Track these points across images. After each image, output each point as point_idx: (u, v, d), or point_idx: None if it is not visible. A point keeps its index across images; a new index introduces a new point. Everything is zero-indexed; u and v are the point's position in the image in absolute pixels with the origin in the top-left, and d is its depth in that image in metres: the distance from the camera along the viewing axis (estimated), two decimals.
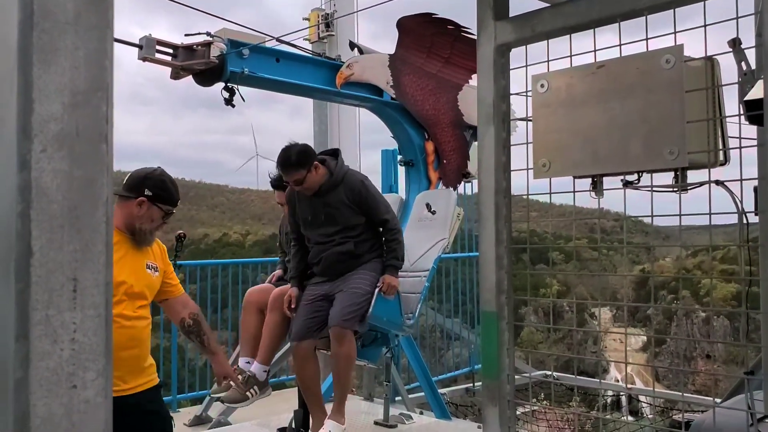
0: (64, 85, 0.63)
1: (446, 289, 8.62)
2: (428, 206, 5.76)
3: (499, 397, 2.36)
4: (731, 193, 1.93)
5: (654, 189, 2.06)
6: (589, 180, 2.32)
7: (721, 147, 2.06)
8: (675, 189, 2.02)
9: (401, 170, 6.64)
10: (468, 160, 6.17)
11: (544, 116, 2.29)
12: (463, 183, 6.46)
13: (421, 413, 5.92)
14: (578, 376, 10.13)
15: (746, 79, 2.17)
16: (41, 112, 0.62)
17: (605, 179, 2.30)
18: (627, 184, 2.13)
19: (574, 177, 2.34)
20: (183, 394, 7.32)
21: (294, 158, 4.33)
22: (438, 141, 6.26)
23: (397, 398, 6.08)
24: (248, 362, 4.80)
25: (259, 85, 5.36)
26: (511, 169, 2.42)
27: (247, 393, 4.65)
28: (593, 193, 2.30)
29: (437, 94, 6.09)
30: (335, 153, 4.73)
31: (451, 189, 6.19)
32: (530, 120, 2.32)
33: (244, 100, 5.23)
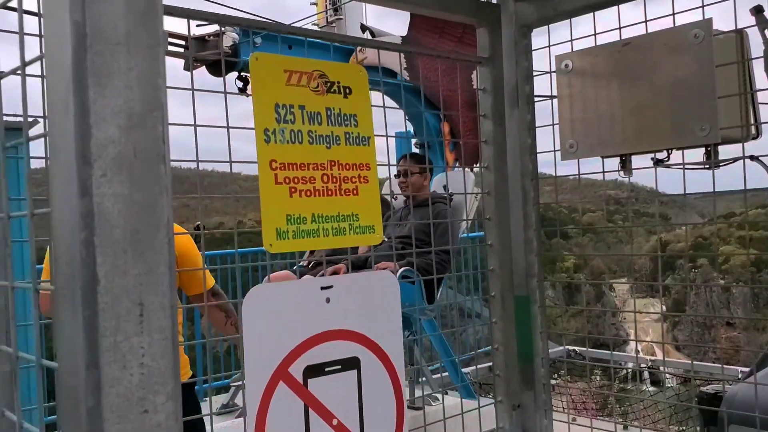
0: (119, 107, 0.62)
1: (464, 268, 8.59)
2: (445, 188, 5.73)
3: (534, 381, 2.35)
4: (766, 167, 1.90)
5: (686, 167, 2.03)
6: (617, 159, 2.29)
7: (753, 121, 2.02)
8: (708, 166, 1.99)
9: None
10: None
11: (570, 97, 2.26)
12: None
13: (446, 393, 5.94)
14: (594, 350, 10.11)
15: None
16: (99, 137, 0.61)
17: (633, 157, 2.27)
18: (657, 163, 2.10)
19: (603, 157, 2.31)
20: (206, 384, 7.35)
21: None
22: (453, 122, 6.21)
23: (422, 379, 6.09)
24: None
25: None
26: (537, 151, 2.39)
27: None
28: (622, 173, 2.27)
29: (451, 74, 6.04)
30: None
31: (468, 170, 6.15)
32: (554, 97, 2.29)
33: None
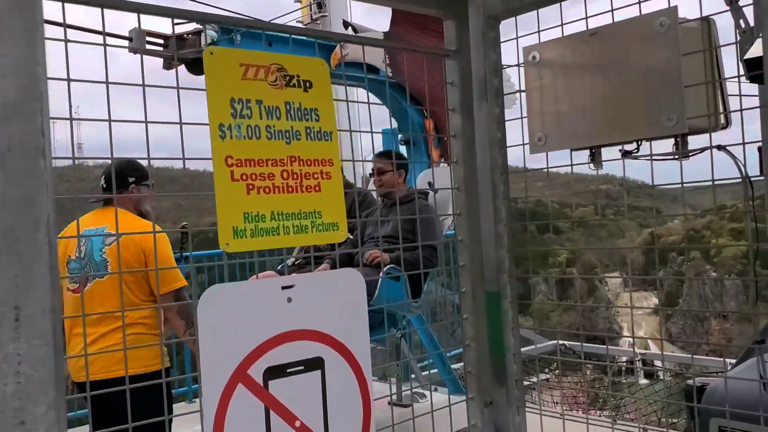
0: None
1: (455, 264, 8.53)
2: (430, 185, 5.69)
3: (506, 378, 2.32)
4: (734, 157, 1.86)
5: (654, 158, 2.00)
6: (588, 151, 2.25)
7: (722, 110, 1.99)
8: (676, 156, 1.95)
9: (403, 150, 6.57)
10: None
11: (538, 89, 2.22)
12: None
13: (435, 389, 5.91)
14: (588, 344, 10.08)
15: (745, 38, 2.09)
16: None
17: (604, 149, 2.23)
18: (625, 154, 2.06)
19: (571, 149, 2.28)
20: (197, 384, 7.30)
21: None
22: (438, 118, 6.17)
23: (412, 375, 6.06)
24: None
25: None
26: (507, 145, 2.35)
27: None
28: (592, 165, 2.24)
29: (435, 70, 6.00)
30: None
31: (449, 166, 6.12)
32: (524, 92, 2.25)
33: None
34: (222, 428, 1.66)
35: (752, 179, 1.87)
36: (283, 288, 1.79)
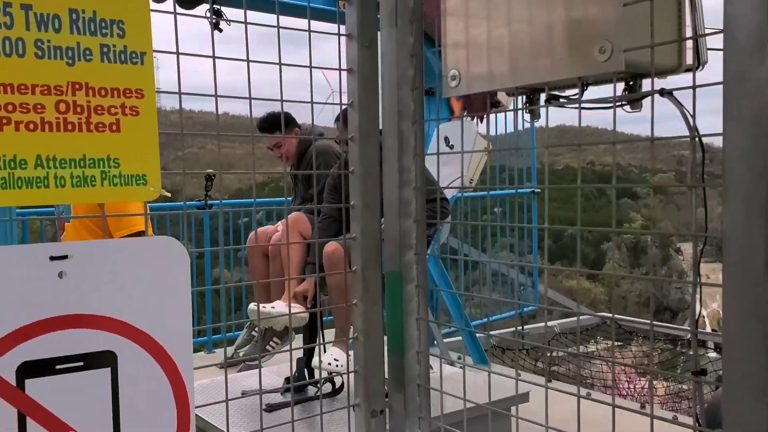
0: None
1: (499, 229, 7.93)
2: (446, 140, 5.14)
3: (405, 380, 1.83)
4: (680, 105, 1.29)
5: (582, 105, 1.43)
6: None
7: (689, 43, 1.40)
8: (609, 105, 1.38)
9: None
10: None
11: (453, 12, 1.67)
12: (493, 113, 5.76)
13: (459, 358, 5.48)
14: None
15: None
16: None
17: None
18: (551, 100, 1.51)
19: (508, 93, 1.74)
20: (219, 335, 7.06)
21: None
22: None
23: (434, 342, 5.62)
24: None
25: (248, 5, 4.79)
26: (424, 86, 1.82)
27: (267, 347, 4.28)
28: (527, 115, 1.69)
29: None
30: None
31: (472, 120, 5.53)
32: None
33: (229, 24, 4.70)
34: None
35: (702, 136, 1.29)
36: (53, 259, 1.35)
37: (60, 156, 1.35)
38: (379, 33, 1.83)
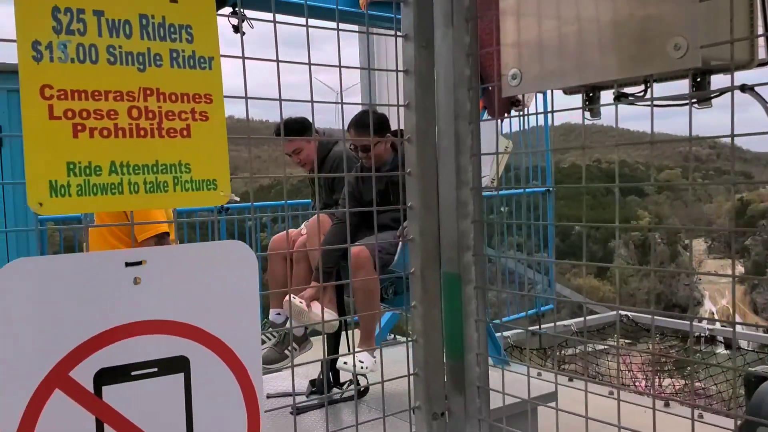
0: None
1: (506, 228, 7.94)
2: None
3: (465, 383, 1.82)
4: (763, 101, 1.28)
5: (655, 103, 1.42)
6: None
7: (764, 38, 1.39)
8: (685, 102, 1.38)
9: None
10: None
11: (513, 11, 1.67)
12: (513, 111, 5.73)
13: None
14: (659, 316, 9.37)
15: None
16: None
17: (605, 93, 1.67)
18: (620, 98, 1.50)
19: (566, 92, 1.73)
20: None
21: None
22: (482, 64, 5.55)
23: None
24: (278, 314, 4.39)
25: (270, 8, 4.79)
26: (480, 84, 1.82)
27: (285, 351, 4.25)
28: (588, 113, 1.68)
29: (480, 8, 5.35)
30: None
31: (494, 120, 5.50)
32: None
33: (252, 27, 4.70)
34: None
35: None
36: (128, 265, 1.34)
37: (133, 162, 1.35)
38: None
